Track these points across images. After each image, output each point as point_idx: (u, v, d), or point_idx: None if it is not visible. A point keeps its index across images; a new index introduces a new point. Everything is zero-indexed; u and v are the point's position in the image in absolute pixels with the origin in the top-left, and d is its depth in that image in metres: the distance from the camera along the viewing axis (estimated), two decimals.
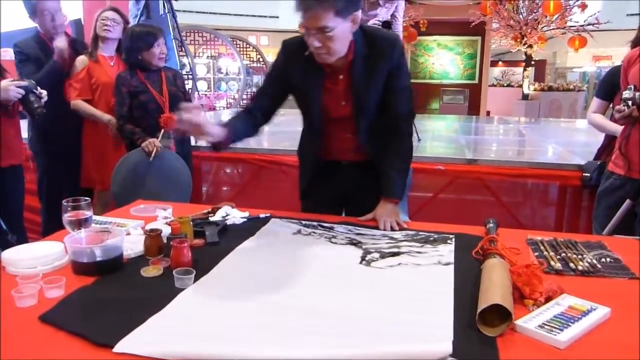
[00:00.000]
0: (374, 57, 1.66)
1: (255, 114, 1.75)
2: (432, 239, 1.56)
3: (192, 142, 3.31)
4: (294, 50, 1.68)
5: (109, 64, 3.08)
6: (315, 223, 1.70)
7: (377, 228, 1.66)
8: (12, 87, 2.29)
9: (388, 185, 1.77)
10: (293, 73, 1.72)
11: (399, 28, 4.47)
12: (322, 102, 1.73)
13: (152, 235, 1.40)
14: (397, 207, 1.77)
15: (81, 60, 3.04)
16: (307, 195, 1.95)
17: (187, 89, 3.10)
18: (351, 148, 1.81)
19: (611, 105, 2.62)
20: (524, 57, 10.95)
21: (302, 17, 1.51)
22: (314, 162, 1.87)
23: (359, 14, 1.57)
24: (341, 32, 1.53)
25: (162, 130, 2.80)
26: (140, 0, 4.10)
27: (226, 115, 7.14)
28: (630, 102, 1.96)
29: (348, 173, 1.86)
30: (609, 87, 2.62)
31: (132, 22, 4.26)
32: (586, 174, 2.92)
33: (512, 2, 10.02)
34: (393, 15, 4.38)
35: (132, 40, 2.78)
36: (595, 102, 2.68)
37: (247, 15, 10.68)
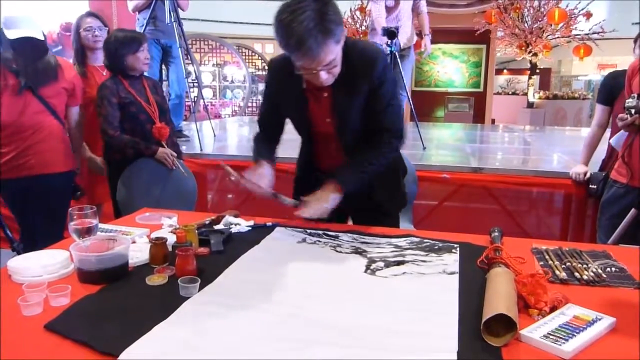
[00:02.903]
0: (353, 75, 1.62)
1: (272, 138, 1.90)
2: (436, 247, 1.56)
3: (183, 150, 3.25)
4: (280, 68, 1.68)
5: (101, 74, 2.97)
6: (320, 232, 1.70)
7: (382, 236, 1.66)
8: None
9: (338, 170, 1.72)
10: (279, 92, 1.75)
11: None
12: (307, 118, 1.74)
13: (157, 244, 1.40)
14: (330, 198, 1.68)
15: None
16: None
17: (165, 97, 2.96)
18: (340, 163, 1.77)
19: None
20: (529, 65, 10.94)
21: (303, 60, 1.48)
22: (306, 174, 1.91)
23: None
24: (340, 55, 1.55)
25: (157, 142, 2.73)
26: (147, 9, 4.14)
27: (232, 124, 7.17)
28: (633, 111, 1.96)
29: None
30: (609, 90, 2.65)
31: (139, 30, 4.30)
32: (592, 186, 2.90)
33: (517, 10, 10.03)
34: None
35: (117, 44, 2.61)
36: (599, 108, 2.71)
37: (252, 24, 10.69)
